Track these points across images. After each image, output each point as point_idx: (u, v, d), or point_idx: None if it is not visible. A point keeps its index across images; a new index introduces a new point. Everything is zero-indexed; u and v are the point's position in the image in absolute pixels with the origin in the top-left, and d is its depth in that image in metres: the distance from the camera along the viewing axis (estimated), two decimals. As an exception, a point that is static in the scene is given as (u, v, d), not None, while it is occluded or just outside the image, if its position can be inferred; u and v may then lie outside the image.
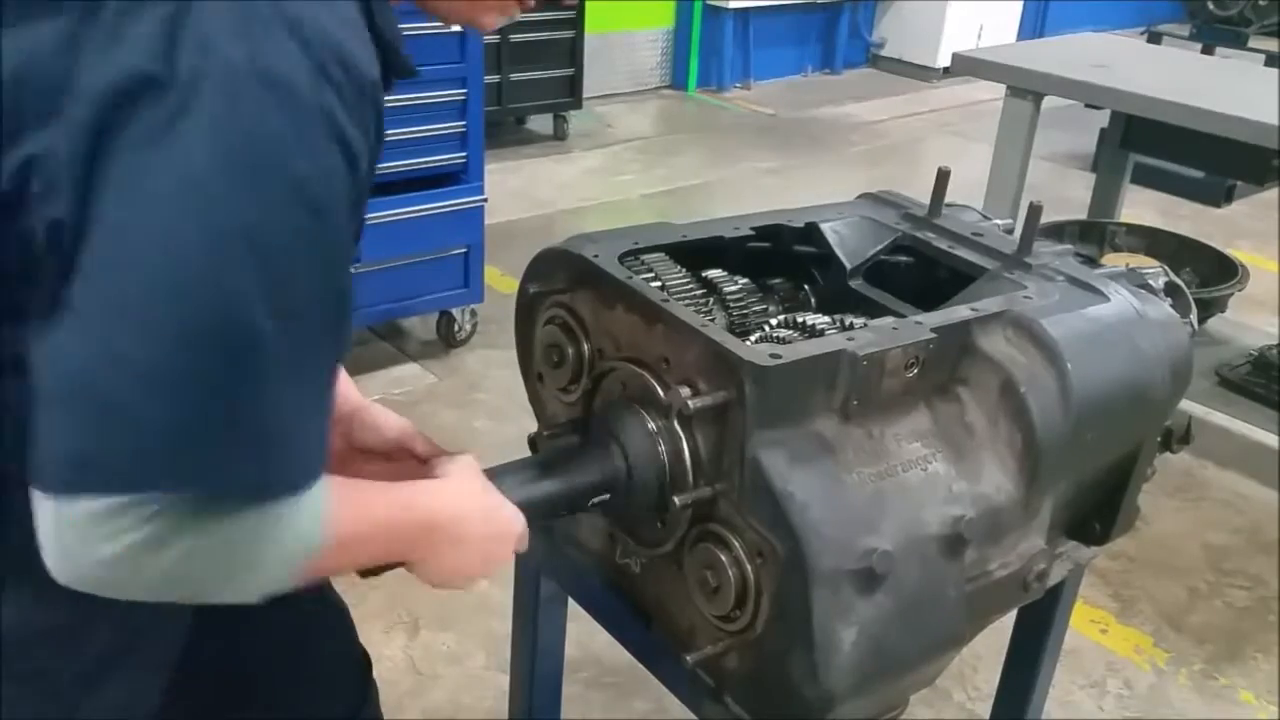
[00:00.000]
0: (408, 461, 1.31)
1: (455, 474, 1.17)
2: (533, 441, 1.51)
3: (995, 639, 1.80)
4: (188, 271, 0.82)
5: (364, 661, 1.55)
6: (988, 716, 1.99)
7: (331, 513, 0.95)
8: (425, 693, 2.43)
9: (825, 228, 1.60)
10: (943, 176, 1.62)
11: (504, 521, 1.18)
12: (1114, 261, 3.29)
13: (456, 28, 3.39)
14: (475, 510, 1.16)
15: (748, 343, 1.31)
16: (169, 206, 0.83)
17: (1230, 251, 3.60)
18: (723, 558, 1.22)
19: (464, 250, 3.63)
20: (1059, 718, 2.45)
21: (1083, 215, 4.02)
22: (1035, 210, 1.50)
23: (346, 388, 1.34)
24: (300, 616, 1.24)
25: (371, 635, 2.51)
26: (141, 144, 0.83)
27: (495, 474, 1.24)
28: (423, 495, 1.12)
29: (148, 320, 0.82)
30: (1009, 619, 1.75)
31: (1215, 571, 2.99)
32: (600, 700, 2.40)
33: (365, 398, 1.36)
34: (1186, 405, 3.20)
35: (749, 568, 1.21)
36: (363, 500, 1.03)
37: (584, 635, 2.13)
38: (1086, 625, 2.74)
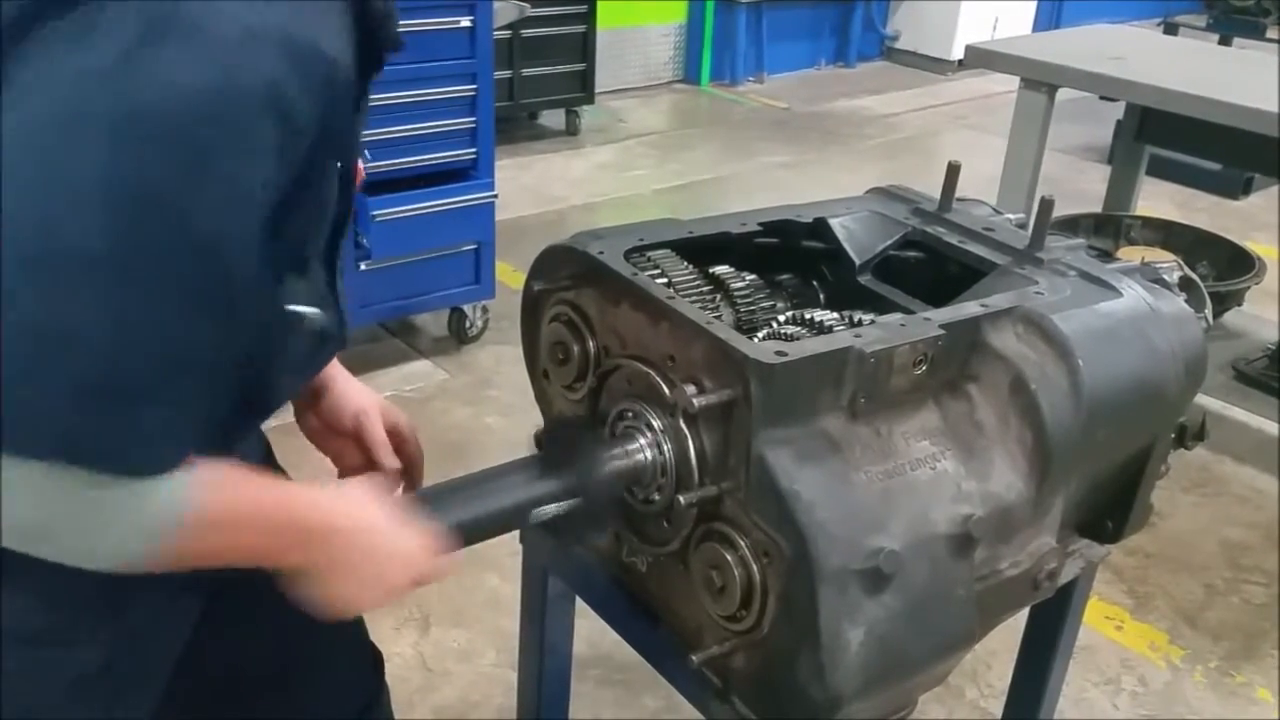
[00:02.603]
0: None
1: (354, 487, 1.12)
2: (538, 439, 1.50)
3: (1009, 636, 1.78)
4: (32, 208, 0.79)
5: (375, 658, 1.54)
6: (1000, 714, 1.97)
7: (194, 498, 0.92)
8: (436, 690, 2.43)
9: (834, 223, 1.58)
10: (953, 171, 1.60)
11: (404, 546, 1.11)
12: (1129, 255, 3.27)
13: (467, 23, 3.40)
14: (366, 526, 1.08)
15: (755, 340, 1.30)
16: (41, 131, 0.80)
17: (1247, 244, 3.56)
18: (728, 557, 1.21)
19: (475, 246, 3.63)
20: (1073, 716, 2.43)
21: (1098, 208, 3.99)
22: (1047, 204, 1.48)
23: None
24: (309, 612, 1.24)
25: (382, 632, 2.51)
26: (39, 53, 0.81)
27: (427, 496, 1.19)
28: (306, 498, 1.05)
29: None
30: (1023, 616, 1.74)
31: (1232, 568, 2.96)
32: (610, 697, 2.39)
33: (342, 371, 1.34)
34: (1202, 400, 3.19)
35: (755, 567, 1.19)
36: (237, 491, 0.98)
37: (594, 633, 2.11)
38: (1102, 622, 2.72)
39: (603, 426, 1.37)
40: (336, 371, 1.35)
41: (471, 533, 1.18)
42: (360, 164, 1.23)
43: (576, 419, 1.30)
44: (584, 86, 6.05)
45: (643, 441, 1.28)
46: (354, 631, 1.50)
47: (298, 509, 1.04)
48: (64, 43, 0.82)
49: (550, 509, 1.23)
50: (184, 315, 0.85)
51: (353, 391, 1.35)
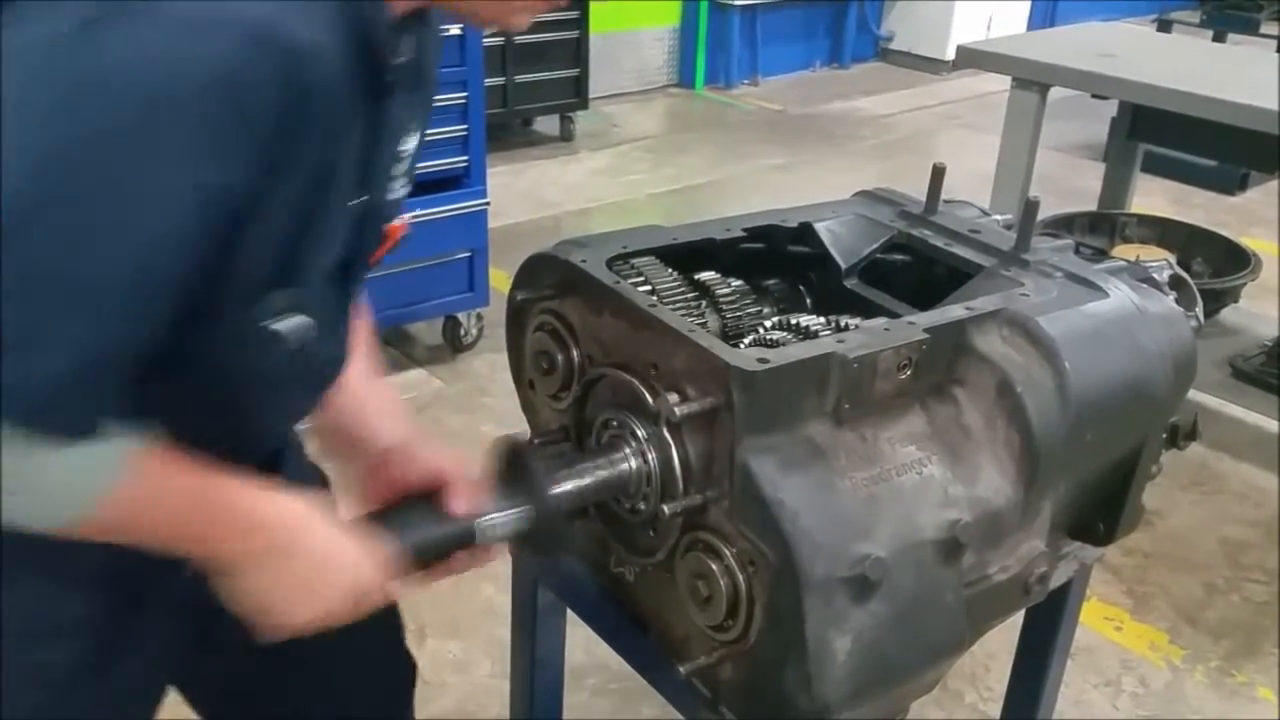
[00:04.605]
0: None
1: (311, 499, 1.09)
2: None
3: (1008, 639, 1.77)
4: None
5: (410, 667, 1.54)
6: (999, 718, 1.96)
7: (125, 469, 0.93)
8: (432, 701, 2.42)
9: (819, 227, 1.57)
10: (938, 173, 1.59)
11: (350, 558, 1.07)
12: (1125, 253, 3.26)
13: (456, 30, 3.39)
14: (311, 530, 1.06)
15: (740, 346, 1.29)
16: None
17: (1243, 240, 3.55)
18: (714, 567, 1.20)
19: (468, 254, 3.63)
20: (1073, 717, 2.42)
21: (1094, 206, 3.98)
22: (1032, 206, 1.47)
23: (384, 427, 1.27)
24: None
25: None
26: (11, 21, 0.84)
27: (378, 517, 1.16)
28: (253, 490, 1.04)
29: None
30: (1020, 619, 1.73)
31: (1232, 566, 2.95)
32: (607, 707, 2.38)
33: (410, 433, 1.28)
34: (1200, 398, 3.18)
35: (740, 576, 1.18)
36: (174, 469, 0.98)
37: (591, 642, 2.09)
38: (1101, 623, 2.71)
39: (588, 436, 1.36)
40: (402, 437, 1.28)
41: (421, 553, 1.14)
42: (399, 223, 1.21)
43: (523, 441, 1.27)
44: (578, 92, 6.04)
45: (627, 451, 1.27)
46: (392, 635, 1.50)
47: (240, 498, 1.03)
48: (32, 13, 0.84)
49: (498, 526, 1.19)
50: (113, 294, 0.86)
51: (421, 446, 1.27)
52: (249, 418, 1.12)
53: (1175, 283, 1.64)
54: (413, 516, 1.16)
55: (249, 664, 1.35)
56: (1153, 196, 5.08)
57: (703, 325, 1.36)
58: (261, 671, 1.37)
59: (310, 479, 1.37)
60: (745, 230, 1.54)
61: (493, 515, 1.18)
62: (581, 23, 5.87)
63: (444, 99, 3.42)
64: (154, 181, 0.84)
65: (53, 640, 1.08)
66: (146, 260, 0.86)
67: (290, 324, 1.01)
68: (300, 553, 1.05)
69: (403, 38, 1.03)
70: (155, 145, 0.83)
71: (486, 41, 3.66)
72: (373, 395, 1.30)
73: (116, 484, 0.94)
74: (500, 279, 3.90)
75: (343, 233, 1.04)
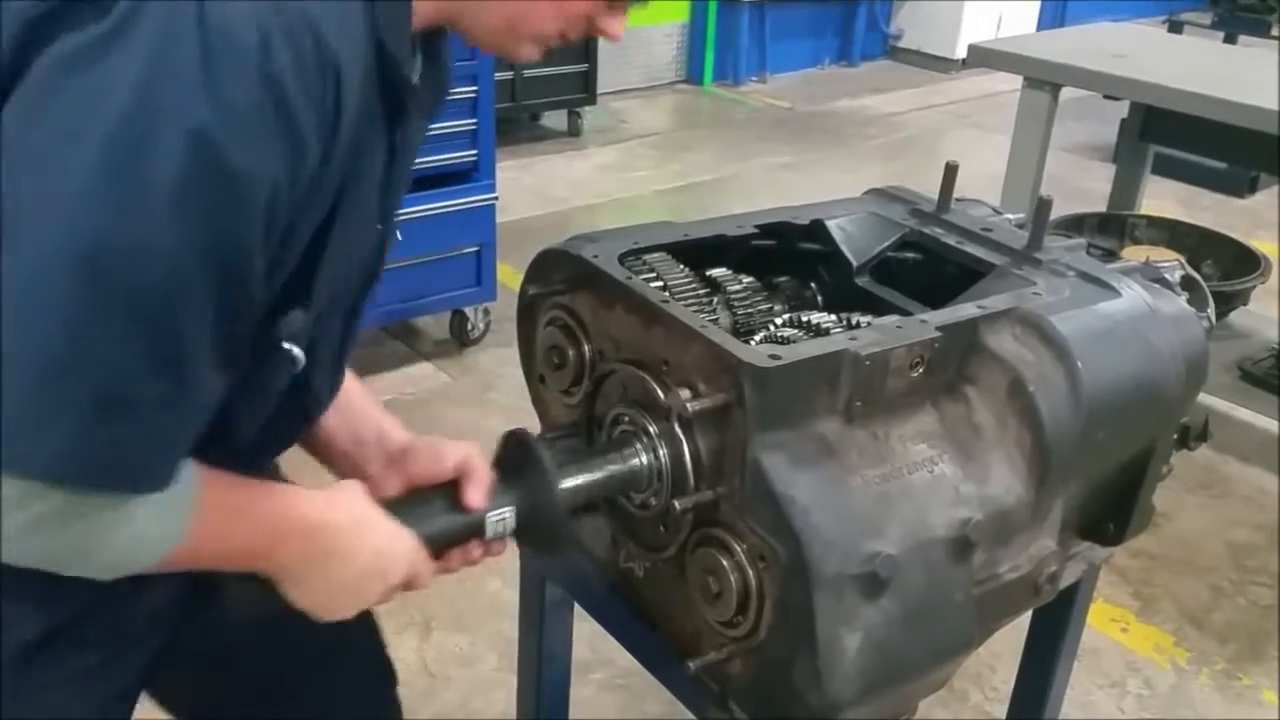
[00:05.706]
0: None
1: (341, 489, 1.10)
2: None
3: (1014, 639, 1.77)
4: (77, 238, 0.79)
5: (389, 673, 1.53)
6: (1004, 718, 1.96)
7: (197, 507, 0.93)
8: (437, 694, 2.42)
9: (831, 225, 1.57)
10: (950, 171, 1.59)
11: (392, 545, 1.10)
12: (1134, 254, 3.26)
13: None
14: (354, 522, 1.07)
15: (751, 343, 1.29)
16: (68, 159, 0.79)
17: (1252, 243, 3.54)
18: (724, 562, 1.20)
19: (476, 249, 3.63)
20: (1078, 718, 2.41)
21: (1103, 207, 3.97)
22: (1045, 205, 1.47)
23: (392, 425, 1.28)
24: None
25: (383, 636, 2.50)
26: (64, 66, 0.80)
27: (403, 504, 1.16)
28: (294, 493, 1.06)
29: (34, 286, 0.78)
30: (1027, 619, 1.73)
31: (1238, 569, 2.95)
32: (613, 702, 2.38)
33: (412, 433, 1.28)
34: (1208, 400, 3.18)
35: (751, 573, 1.18)
36: (234, 496, 0.99)
37: (597, 637, 2.10)
38: (1107, 624, 2.71)
39: (599, 431, 1.36)
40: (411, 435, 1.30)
41: (433, 543, 1.15)
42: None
43: (531, 434, 1.27)
44: (586, 87, 6.04)
45: (638, 446, 1.27)
46: (369, 641, 1.49)
47: (285, 504, 1.04)
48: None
49: (506, 520, 1.19)
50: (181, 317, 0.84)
51: (440, 442, 1.28)
52: (242, 444, 1.08)
53: (1187, 284, 1.63)
54: (425, 507, 1.17)
55: (227, 676, 1.36)
56: (1161, 198, 5.07)
57: (714, 322, 1.36)
58: (240, 683, 1.37)
59: None
60: (757, 227, 1.54)
61: (502, 509, 1.18)
62: (591, 19, 5.86)
63: (453, 93, 3.40)
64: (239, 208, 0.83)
65: (49, 648, 1.06)
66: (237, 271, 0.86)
67: (300, 348, 1.01)
68: (359, 550, 1.07)
69: (418, 59, 1.03)
70: (230, 165, 0.82)
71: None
72: (372, 402, 1.31)
73: (190, 527, 0.93)
74: (507, 274, 3.90)
75: (359, 254, 1.04)
